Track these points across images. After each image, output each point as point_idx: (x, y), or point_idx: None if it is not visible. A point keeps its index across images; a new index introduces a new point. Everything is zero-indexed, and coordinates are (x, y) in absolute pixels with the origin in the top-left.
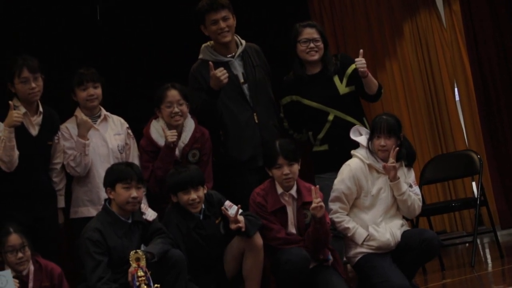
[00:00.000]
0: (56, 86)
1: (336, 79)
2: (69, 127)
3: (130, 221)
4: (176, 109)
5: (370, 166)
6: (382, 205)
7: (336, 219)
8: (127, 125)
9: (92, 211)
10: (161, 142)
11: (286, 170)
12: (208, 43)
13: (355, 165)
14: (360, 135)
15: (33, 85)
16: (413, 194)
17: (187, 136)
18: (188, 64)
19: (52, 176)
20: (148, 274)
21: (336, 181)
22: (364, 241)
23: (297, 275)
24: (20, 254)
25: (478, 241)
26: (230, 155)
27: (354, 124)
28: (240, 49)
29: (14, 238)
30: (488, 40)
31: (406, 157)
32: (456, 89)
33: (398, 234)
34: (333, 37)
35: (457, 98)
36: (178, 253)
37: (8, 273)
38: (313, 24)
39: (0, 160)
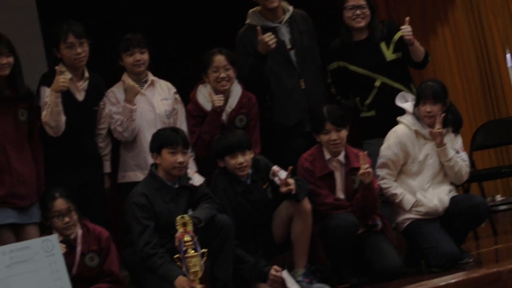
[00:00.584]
0: (102, 52)
1: (383, 45)
2: (116, 92)
3: (176, 186)
4: (223, 74)
5: (416, 132)
6: (429, 171)
7: (383, 185)
8: (175, 90)
9: (140, 176)
10: (207, 107)
11: (334, 135)
12: (256, 8)
13: (401, 131)
14: (406, 102)
15: (79, 50)
16: (460, 160)
17: (234, 101)
18: (235, 30)
19: (98, 141)
20: (195, 239)
21: (382, 148)
22: (412, 207)
23: (346, 241)
24: (66, 219)
25: None
26: (276, 120)
27: (401, 91)
28: (287, 15)
29: (60, 203)
30: None
31: (453, 123)
32: (508, 55)
33: (446, 199)
34: (384, 3)
35: (509, 64)
36: (225, 218)
37: (54, 237)
38: None
39: (47, 125)
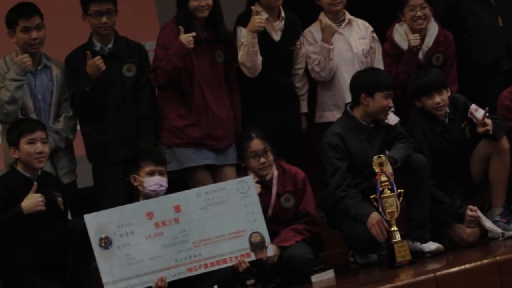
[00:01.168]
0: None
1: None
2: (313, 32)
3: (372, 125)
4: (419, 13)
5: None
6: None
7: None
8: (372, 29)
9: (337, 115)
10: (404, 46)
11: None
12: None
13: None
14: None
15: None
16: None
17: (430, 40)
18: None
19: (295, 81)
20: (392, 179)
21: None
22: None
23: None
24: (262, 159)
25: None
26: (474, 58)
27: None
28: None
29: (256, 143)
30: None
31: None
32: None
33: None
34: None
35: None
36: (421, 158)
37: (249, 178)
38: None
39: (243, 66)
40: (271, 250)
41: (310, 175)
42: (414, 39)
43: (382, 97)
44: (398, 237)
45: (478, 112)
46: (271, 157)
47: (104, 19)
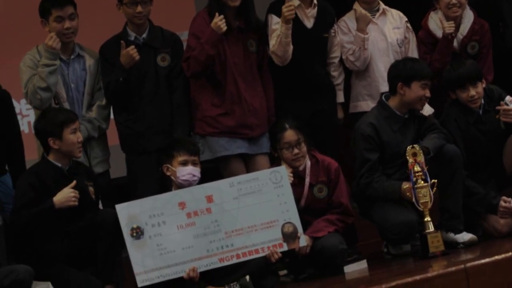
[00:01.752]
0: None
1: None
2: (347, 21)
3: (406, 116)
4: (454, 0)
5: None
6: None
7: None
8: (406, 19)
9: (371, 105)
10: (439, 33)
11: None
12: None
13: None
14: None
15: None
16: None
17: (465, 28)
18: None
19: (330, 70)
20: (425, 169)
21: None
22: None
23: None
24: (296, 150)
25: None
26: (509, 47)
27: None
28: None
29: (290, 134)
30: None
31: None
32: None
33: None
34: None
35: None
36: (454, 148)
37: (282, 169)
38: None
39: (274, 54)
40: (303, 241)
41: (345, 165)
42: (449, 26)
43: (419, 86)
44: (431, 227)
45: None
46: (304, 148)
47: (139, 8)
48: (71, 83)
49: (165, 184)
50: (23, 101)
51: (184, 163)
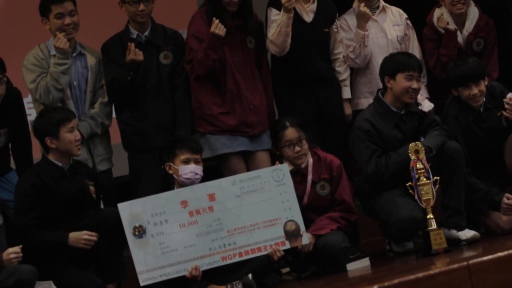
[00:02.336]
0: None
1: None
2: (347, 19)
3: (402, 112)
4: None
5: None
6: None
7: None
8: (406, 16)
9: None
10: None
11: None
12: None
13: None
14: None
15: None
16: None
17: (471, 25)
18: None
19: (335, 66)
20: (427, 166)
21: None
22: None
23: None
24: (297, 148)
25: None
26: None
27: None
28: None
29: (291, 132)
30: None
31: None
32: None
33: None
34: None
35: None
36: (455, 145)
37: (285, 167)
38: None
39: (272, 43)
40: (306, 239)
41: (345, 162)
42: (441, 21)
43: (404, 78)
44: (434, 224)
45: None
46: (306, 145)
47: (142, 6)
48: (73, 80)
49: (168, 182)
50: (25, 99)
51: (187, 161)
